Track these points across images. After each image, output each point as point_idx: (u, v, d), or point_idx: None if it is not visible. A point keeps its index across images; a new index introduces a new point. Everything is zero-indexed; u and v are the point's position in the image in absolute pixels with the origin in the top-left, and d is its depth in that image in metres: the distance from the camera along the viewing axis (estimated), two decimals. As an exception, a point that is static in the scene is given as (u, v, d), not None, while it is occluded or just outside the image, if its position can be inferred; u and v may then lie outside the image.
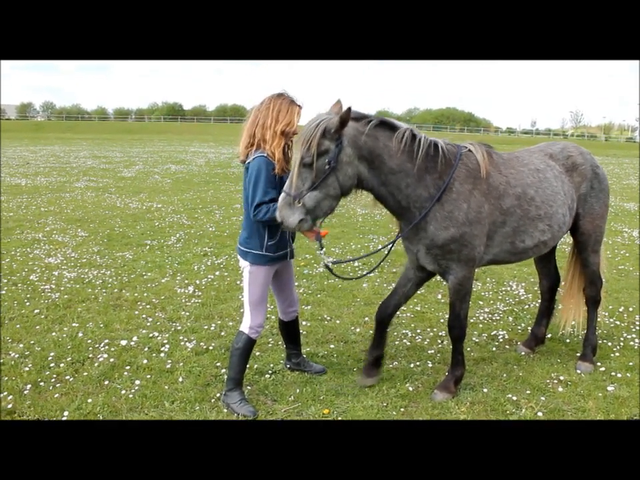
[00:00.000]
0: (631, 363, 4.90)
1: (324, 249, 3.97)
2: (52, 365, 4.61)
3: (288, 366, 4.65)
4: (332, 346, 5.13)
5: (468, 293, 4.20)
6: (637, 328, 5.78)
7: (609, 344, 5.31)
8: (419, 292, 6.71)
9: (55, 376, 4.44)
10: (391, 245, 4.33)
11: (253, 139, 3.82)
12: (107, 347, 4.98)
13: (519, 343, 5.23)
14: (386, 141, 3.69)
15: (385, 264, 7.89)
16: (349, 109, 3.46)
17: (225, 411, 4.01)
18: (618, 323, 5.85)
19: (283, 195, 3.56)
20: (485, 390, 4.37)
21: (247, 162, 3.84)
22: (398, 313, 5.94)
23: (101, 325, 5.47)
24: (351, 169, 3.60)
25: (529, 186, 4.21)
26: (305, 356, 4.71)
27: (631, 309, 6.27)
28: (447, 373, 4.40)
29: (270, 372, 4.60)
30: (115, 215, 11.44)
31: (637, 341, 5.42)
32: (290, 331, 4.56)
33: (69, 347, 4.95)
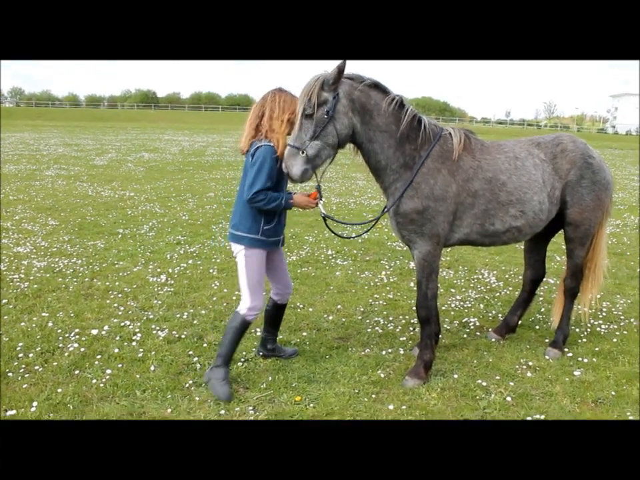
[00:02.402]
0: (597, 349, 5.02)
1: (323, 199, 4.27)
2: (20, 355, 4.54)
3: (261, 353, 4.66)
4: (304, 334, 5.14)
5: (434, 272, 4.31)
6: (604, 314, 5.91)
7: (577, 330, 5.42)
8: (391, 280, 6.77)
9: (23, 366, 4.38)
10: (379, 215, 4.49)
11: (256, 131, 4.00)
12: (77, 337, 4.93)
13: (489, 330, 5.30)
14: (377, 100, 4.00)
15: (358, 253, 7.93)
16: (344, 61, 3.77)
17: (203, 386, 4.08)
18: (585, 309, 5.96)
19: (288, 148, 3.83)
20: (456, 376, 4.43)
21: (252, 149, 3.97)
22: (370, 300, 6.01)
23: (72, 315, 5.40)
24: (347, 119, 3.91)
25: (501, 172, 4.32)
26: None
27: (598, 296, 6.38)
28: (416, 359, 4.46)
29: (242, 360, 4.60)
30: (87, 203, 11.28)
31: (603, 327, 5.55)
32: (277, 313, 4.62)
33: (38, 337, 4.88)
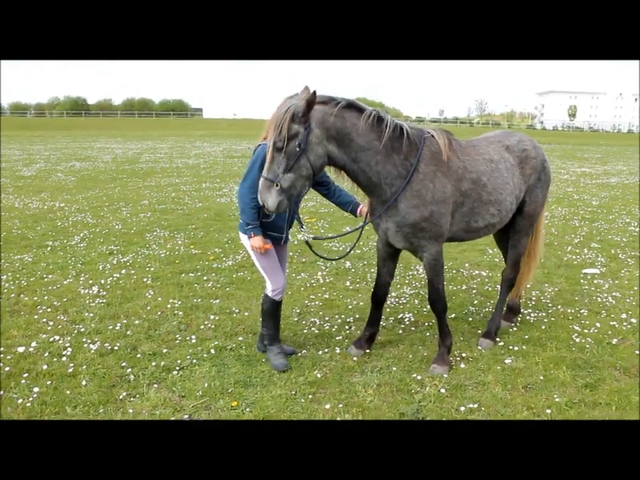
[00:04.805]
0: (526, 336, 5.19)
1: (304, 226, 4.45)
2: (-61, 378, 4.31)
3: (259, 348, 4.81)
4: (240, 338, 5.10)
5: (442, 266, 4.51)
6: (533, 303, 6.12)
7: (507, 319, 5.58)
8: (327, 280, 6.80)
9: (-58, 390, 4.16)
10: (364, 224, 4.59)
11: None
12: (2, 356, 4.71)
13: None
14: (353, 120, 3.93)
15: (294, 255, 7.94)
16: (314, 92, 3.72)
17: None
18: (528, 286, 6.13)
19: (262, 180, 3.80)
20: (392, 371, 4.49)
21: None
22: (306, 301, 6.02)
23: (-4, 333, 5.17)
24: (321, 149, 3.86)
25: (482, 173, 4.53)
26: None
27: (528, 286, 6.61)
28: (438, 347, 4.64)
29: (178, 368, 4.52)
30: (13, 216, 10.82)
31: (532, 315, 5.74)
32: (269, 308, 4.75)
33: (-41, 358, 4.65)
